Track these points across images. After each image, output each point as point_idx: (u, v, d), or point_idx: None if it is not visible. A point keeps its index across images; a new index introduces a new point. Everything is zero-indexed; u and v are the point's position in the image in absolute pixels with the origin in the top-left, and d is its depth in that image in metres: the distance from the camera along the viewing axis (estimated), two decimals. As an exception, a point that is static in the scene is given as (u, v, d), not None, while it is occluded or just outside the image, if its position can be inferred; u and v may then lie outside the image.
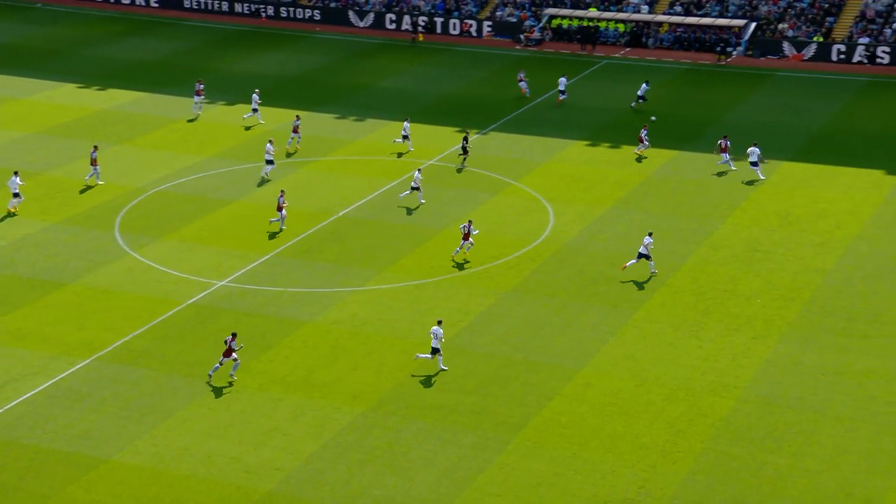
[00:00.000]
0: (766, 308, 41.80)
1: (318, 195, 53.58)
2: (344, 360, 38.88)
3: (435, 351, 37.62)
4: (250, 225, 50.10)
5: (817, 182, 54.14)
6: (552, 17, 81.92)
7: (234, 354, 36.83)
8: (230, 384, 37.05)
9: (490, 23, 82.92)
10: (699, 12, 79.44)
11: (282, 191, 49.96)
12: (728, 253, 46.59)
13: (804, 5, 78.02)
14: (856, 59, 73.03)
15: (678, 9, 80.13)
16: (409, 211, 51.31)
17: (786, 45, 75.23)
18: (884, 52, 72.38)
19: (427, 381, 37.37)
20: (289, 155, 58.75)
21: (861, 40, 73.78)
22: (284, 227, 49.04)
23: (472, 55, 78.83)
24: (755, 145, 54.35)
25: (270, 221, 49.24)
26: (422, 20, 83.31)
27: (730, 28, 77.15)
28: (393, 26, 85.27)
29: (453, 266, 45.53)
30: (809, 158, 57.22)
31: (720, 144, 55.29)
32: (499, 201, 52.60)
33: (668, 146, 59.34)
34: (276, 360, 38.87)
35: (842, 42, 73.97)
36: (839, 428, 34.58)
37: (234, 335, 37.20)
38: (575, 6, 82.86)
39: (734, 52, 76.55)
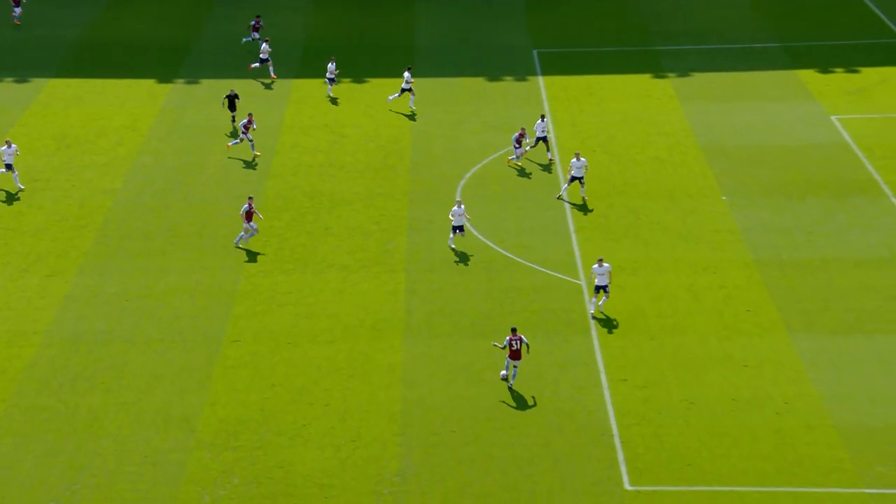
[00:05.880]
0: (57, 241, 38.86)
1: None
2: None
3: None
4: None
5: (90, 98, 51.43)
6: None
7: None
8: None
9: None
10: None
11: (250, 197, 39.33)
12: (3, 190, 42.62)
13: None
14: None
15: None
16: None
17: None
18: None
19: None
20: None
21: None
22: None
23: None
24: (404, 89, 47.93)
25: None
26: None
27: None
28: None
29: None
30: (76, 73, 54.05)
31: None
32: None
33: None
34: None
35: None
36: (151, 353, 33.49)
37: (513, 329, 31.67)
38: None
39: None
